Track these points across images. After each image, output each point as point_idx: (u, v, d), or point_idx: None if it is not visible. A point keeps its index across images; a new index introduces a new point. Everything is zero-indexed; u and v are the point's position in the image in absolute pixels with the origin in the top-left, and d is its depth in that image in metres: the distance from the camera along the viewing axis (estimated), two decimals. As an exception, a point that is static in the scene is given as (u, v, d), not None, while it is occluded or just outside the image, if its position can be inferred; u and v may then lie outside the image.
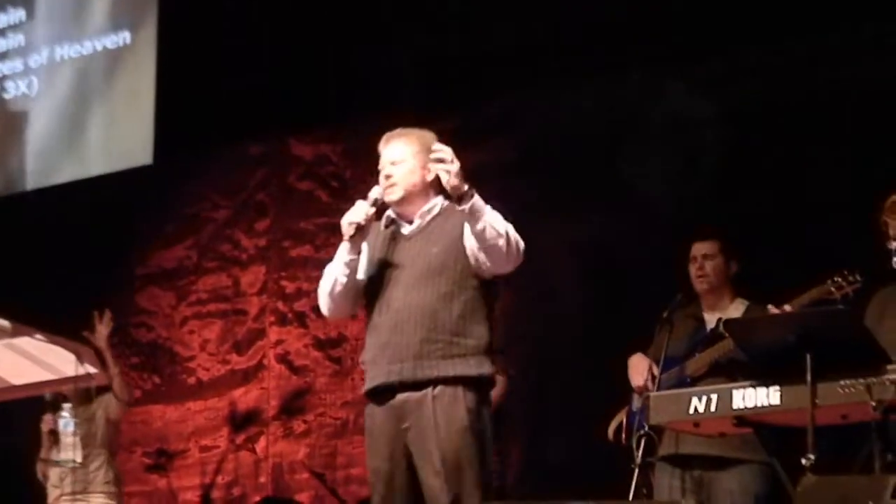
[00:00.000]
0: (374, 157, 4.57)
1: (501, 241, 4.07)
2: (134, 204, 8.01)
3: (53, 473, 6.25)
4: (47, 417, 6.16)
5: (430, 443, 4.07)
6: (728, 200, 6.03)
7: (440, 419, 4.07)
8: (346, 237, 4.22)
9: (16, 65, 8.65)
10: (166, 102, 8.00)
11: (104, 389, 6.38)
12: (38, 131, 8.53)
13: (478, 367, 4.14)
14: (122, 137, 8.23)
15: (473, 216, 4.06)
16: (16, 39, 8.68)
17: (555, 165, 6.62)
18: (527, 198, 6.57)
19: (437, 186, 4.29)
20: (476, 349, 4.15)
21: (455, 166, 4.04)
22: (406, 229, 4.29)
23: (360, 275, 4.26)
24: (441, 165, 4.06)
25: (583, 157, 6.53)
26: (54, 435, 5.87)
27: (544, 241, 6.51)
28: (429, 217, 4.28)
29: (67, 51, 8.47)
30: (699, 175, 6.24)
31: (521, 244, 4.15)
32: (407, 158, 4.29)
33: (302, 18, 7.63)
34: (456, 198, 4.07)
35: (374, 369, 4.21)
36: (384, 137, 4.36)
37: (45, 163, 8.48)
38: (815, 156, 5.89)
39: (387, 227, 4.31)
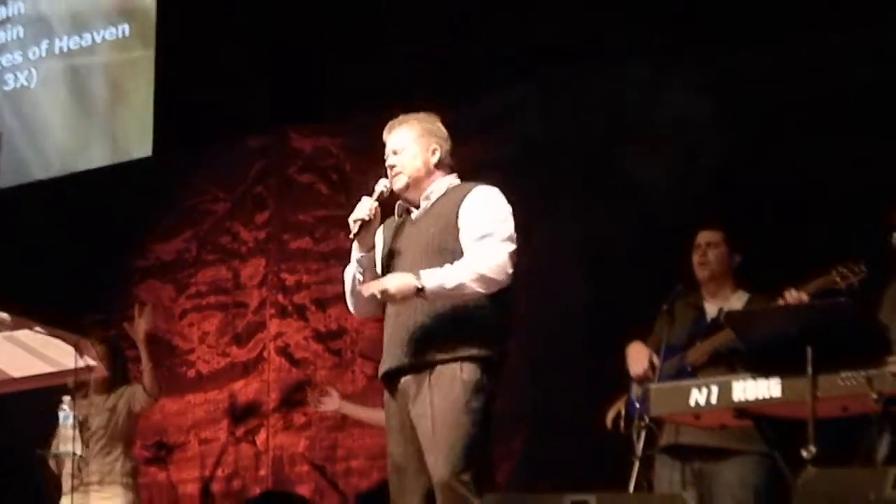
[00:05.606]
0: (374, 150, 4.58)
1: (471, 294, 4.08)
2: (133, 196, 7.99)
3: (68, 464, 6.22)
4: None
5: (427, 422, 4.07)
6: (729, 196, 6.02)
7: (436, 398, 4.06)
8: (351, 235, 4.22)
9: (14, 57, 8.64)
10: (165, 94, 7.99)
11: (125, 381, 6.42)
12: (37, 123, 8.50)
13: (478, 347, 4.11)
14: (121, 130, 8.22)
15: (435, 302, 4.07)
16: (14, 31, 8.67)
17: (555, 160, 6.61)
18: (527, 193, 6.55)
19: (444, 167, 4.31)
20: (478, 330, 4.13)
21: (388, 287, 4.01)
22: (414, 214, 4.30)
23: (379, 270, 4.27)
24: (376, 291, 4.05)
25: (583, 152, 6.52)
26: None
27: (545, 237, 6.53)
28: (434, 198, 4.27)
29: (66, 43, 8.46)
30: (700, 170, 6.23)
31: (499, 274, 4.10)
32: (409, 144, 4.28)
33: (302, 11, 7.63)
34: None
35: (384, 356, 4.24)
36: (387, 126, 4.36)
37: (43, 155, 8.46)
38: (816, 152, 5.87)
39: (400, 216, 4.32)
